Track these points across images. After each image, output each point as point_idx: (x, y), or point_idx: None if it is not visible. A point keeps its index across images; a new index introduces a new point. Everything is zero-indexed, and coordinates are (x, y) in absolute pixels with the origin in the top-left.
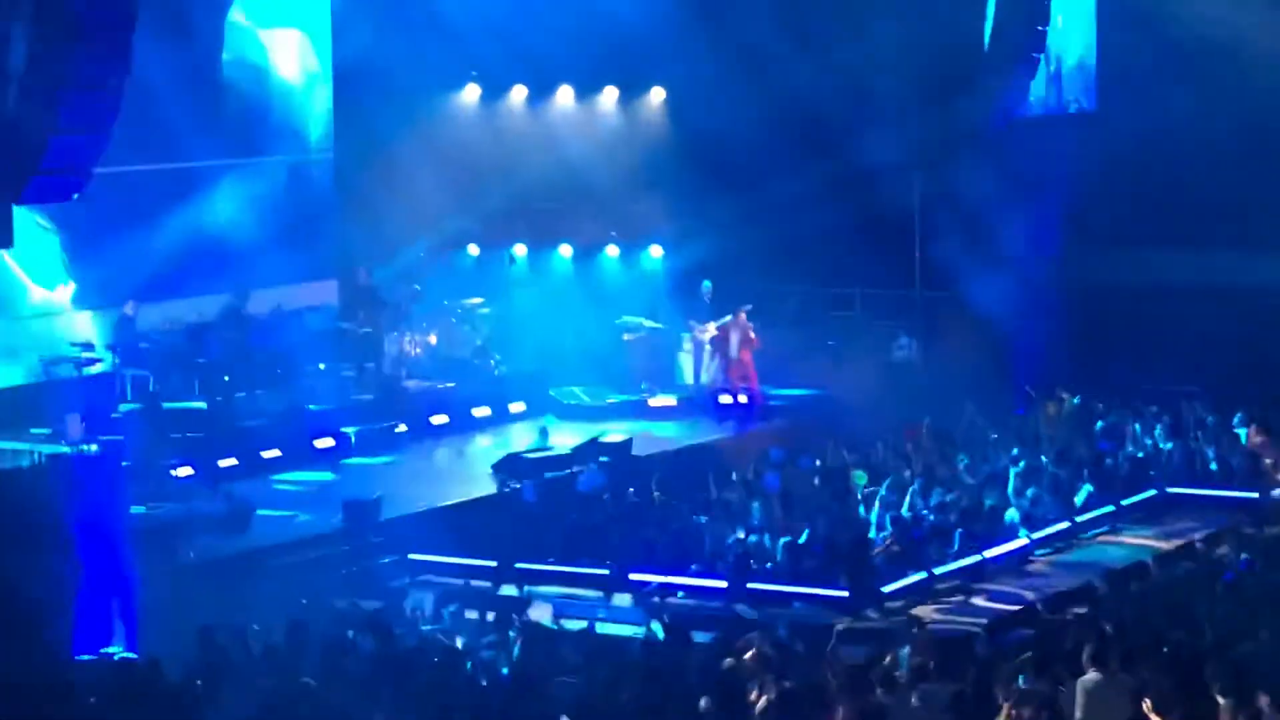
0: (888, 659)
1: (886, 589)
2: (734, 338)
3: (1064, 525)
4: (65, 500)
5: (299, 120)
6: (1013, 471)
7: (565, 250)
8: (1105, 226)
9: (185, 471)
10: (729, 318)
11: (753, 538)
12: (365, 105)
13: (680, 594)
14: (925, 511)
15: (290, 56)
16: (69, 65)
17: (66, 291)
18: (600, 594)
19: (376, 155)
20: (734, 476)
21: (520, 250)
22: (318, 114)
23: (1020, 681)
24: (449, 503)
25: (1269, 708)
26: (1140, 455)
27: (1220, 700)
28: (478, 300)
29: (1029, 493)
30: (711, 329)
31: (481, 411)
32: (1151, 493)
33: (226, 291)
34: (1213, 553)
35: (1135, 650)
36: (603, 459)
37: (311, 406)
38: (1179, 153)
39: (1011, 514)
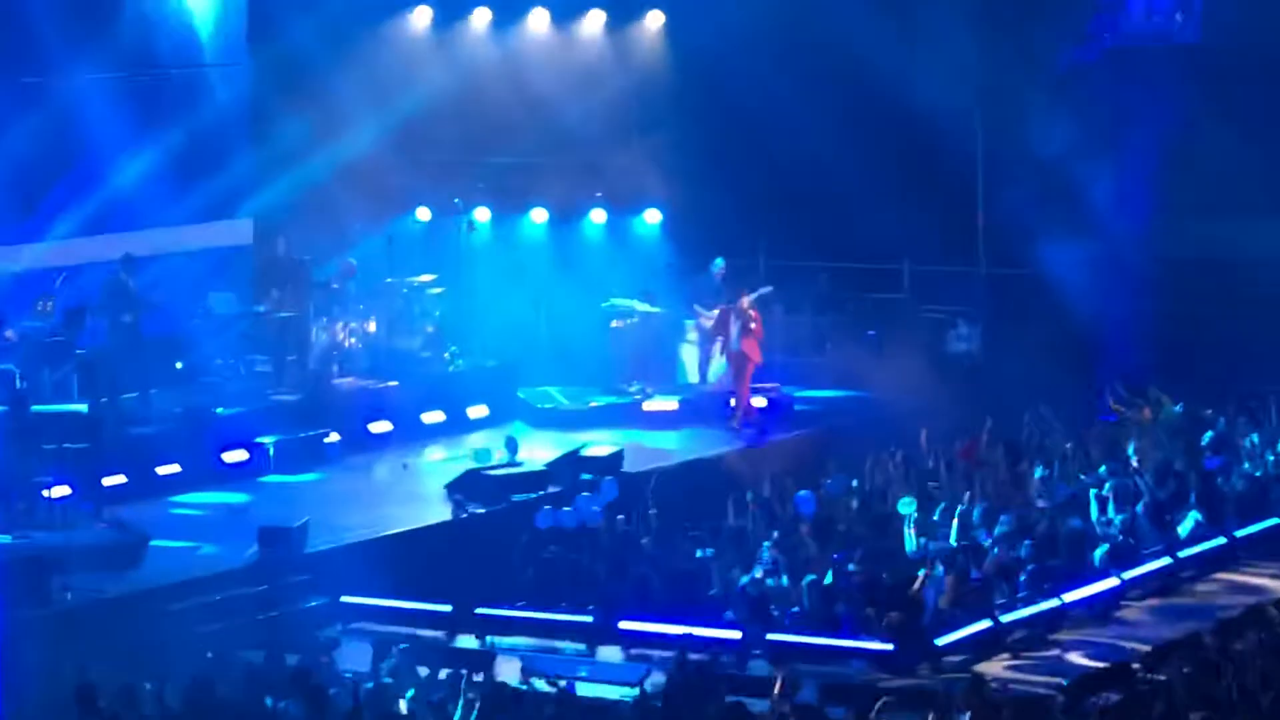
0: None
1: (941, 641)
2: (734, 326)
3: (1163, 562)
4: None
5: (196, 33)
6: (1093, 494)
7: (538, 215)
8: (1212, 187)
9: (61, 491)
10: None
11: (771, 580)
12: (287, 31)
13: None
14: (989, 543)
15: None
16: None
17: None
18: (582, 646)
19: (301, 94)
20: (749, 498)
21: (482, 215)
22: (219, 28)
23: None
24: (392, 531)
25: None
26: (1259, 474)
27: None
28: (429, 277)
29: (1119, 520)
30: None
31: (433, 417)
32: (1273, 521)
33: (106, 232)
34: None
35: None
36: (585, 476)
37: (219, 410)
38: None
39: (1098, 547)
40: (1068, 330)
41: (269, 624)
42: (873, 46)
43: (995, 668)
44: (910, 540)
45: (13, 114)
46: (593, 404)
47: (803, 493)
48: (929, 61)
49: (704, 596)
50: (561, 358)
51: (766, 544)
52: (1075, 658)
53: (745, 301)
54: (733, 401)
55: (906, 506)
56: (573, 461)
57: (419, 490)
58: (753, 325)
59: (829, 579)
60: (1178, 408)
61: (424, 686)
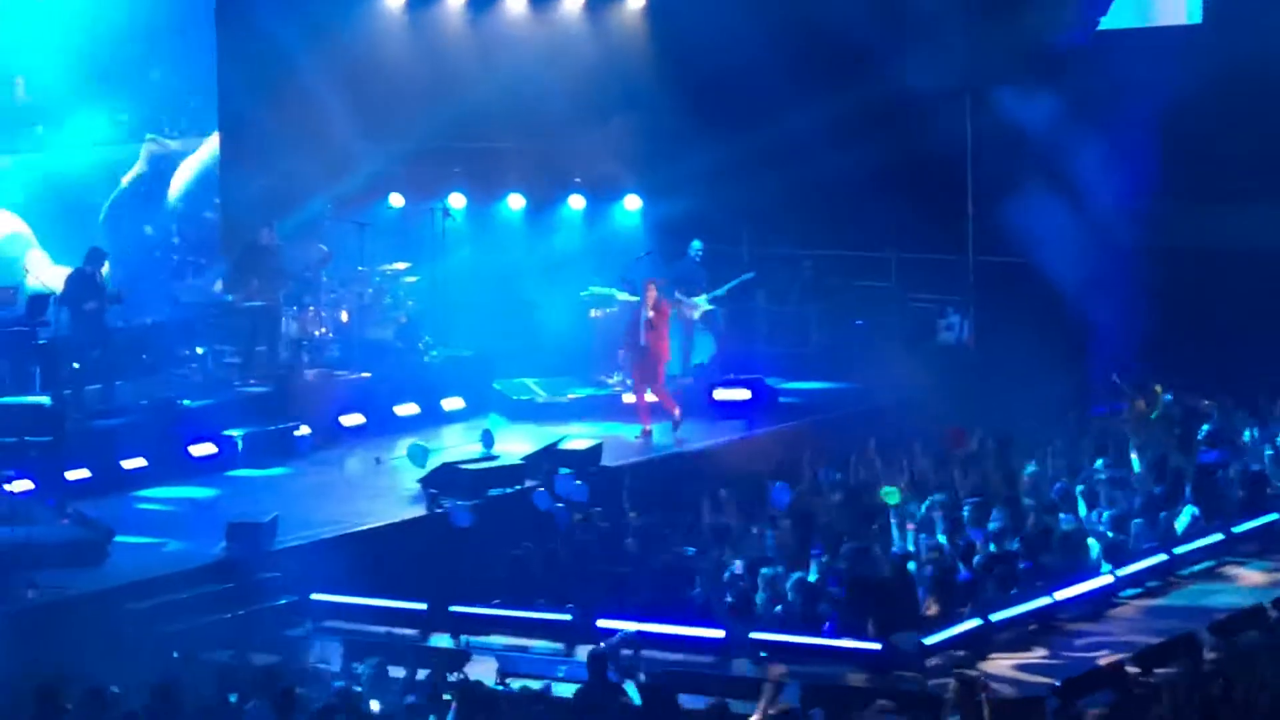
0: None
1: (930, 640)
2: (641, 318)
3: (1159, 559)
4: None
5: None
6: (1079, 490)
7: (515, 201)
8: (1211, 174)
9: (23, 486)
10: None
11: (766, 570)
12: (250, 9)
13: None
14: (980, 540)
15: None
16: None
17: None
18: (560, 646)
19: (266, 76)
20: (722, 494)
21: (457, 201)
22: None
23: None
24: (363, 527)
25: None
26: (1257, 468)
27: None
28: (402, 265)
29: (1107, 516)
30: (703, 304)
31: (406, 409)
32: (1273, 517)
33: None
34: None
35: None
36: (563, 470)
37: (186, 402)
38: None
39: (1091, 544)
40: (1059, 319)
41: (237, 623)
42: (860, 29)
43: (986, 668)
44: (896, 534)
45: None
46: (571, 396)
47: (778, 484)
48: (918, 45)
49: (685, 594)
50: (539, 348)
51: (756, 529)
52: (1068, 658)
53: (651, 292)
54: (720, 393)
55: (891, 497)
56: (550, 455)
57: (392, 484)
58: (651, 314)
59: (812, 576)
60: (1168, 396)
61: (397, 687)
